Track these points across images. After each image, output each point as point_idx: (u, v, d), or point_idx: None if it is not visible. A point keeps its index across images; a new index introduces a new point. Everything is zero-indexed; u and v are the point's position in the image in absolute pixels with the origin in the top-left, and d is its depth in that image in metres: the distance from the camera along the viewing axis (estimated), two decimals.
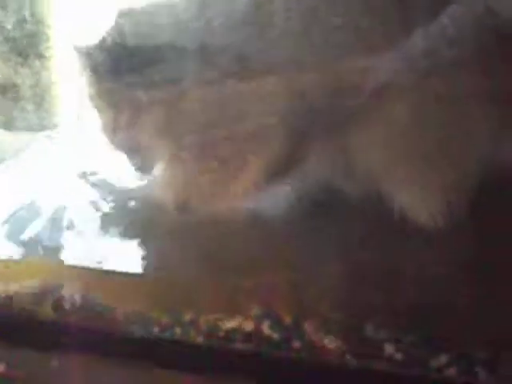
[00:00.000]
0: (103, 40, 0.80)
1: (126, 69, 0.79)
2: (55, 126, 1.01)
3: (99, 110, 0.85)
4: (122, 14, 0.81)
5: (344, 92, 0.74)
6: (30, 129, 0.98)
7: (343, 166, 0.80)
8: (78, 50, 0.82)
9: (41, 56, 0.94)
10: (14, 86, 0.94)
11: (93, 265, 0.75)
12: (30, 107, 0.96)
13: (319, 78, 0.74)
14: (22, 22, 0.91)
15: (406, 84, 0.74)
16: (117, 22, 0.81)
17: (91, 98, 0.85)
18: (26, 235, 0.81)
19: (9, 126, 0.97)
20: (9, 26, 0.91)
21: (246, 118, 0.77)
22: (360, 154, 0.77)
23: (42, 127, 0.99)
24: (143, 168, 0.89)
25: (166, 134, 0.81)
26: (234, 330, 0.68)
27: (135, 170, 0.89)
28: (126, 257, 0.77)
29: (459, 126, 0.75)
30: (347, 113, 0.75)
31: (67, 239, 0.81)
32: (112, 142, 0.87)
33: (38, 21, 0.92)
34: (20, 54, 0.93)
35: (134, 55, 0.78)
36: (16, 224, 0.84)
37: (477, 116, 0.75)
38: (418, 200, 0.76)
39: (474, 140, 0.76)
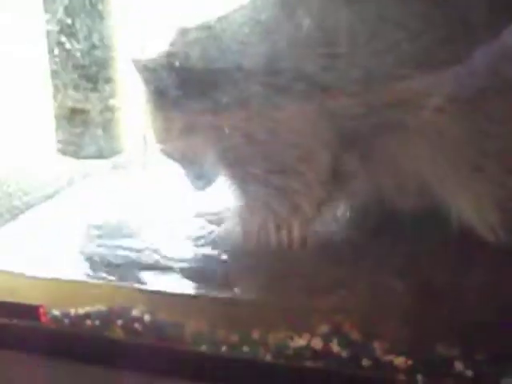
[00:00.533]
0: (165, 59, 0.81)
1: (186, 90, 0.80)
2: (124, 151, 1.02)
3: (152, 120, 0.86)
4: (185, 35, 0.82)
5: (405, 108, 0.75)
6: (99, 155, 0.99)
7: (400, 181, 0.80)
8: (136, 63, 0.84)
9: (110, 80, 0.96)
10: (83, 111, 0.96)
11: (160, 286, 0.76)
12: (99, 133, 0.97)
13: (380, 94, 0.75)
14: (90, 48, 0.93)
15: (465, 100, 0.74)
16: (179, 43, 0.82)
17: (145, 103, 0.85)
18: (96, 257, 0.82)
19: (77, 153, 0.99)
20: (78, 54, 0.93)
21: (304, 139, 0.78)
22: (415, 168, 0.78)
23: (110, 153, 1.00)
24: (198, 181, 0.88)
25: (223, 157, 0.82)
26: (302, 348, 0.68)
27: (191, 182, 0.88)
28: (193, 276, 0.78)
29: None
30: (404, 127, 0.75)
31: (137, 261, 0.81)
32: (163, 151, 0.87)
33: (106, 46, 0.94)
34: (90, 80, 0.95)
35: (197, 77, 0.79)
36: (86, 245, 0.86)
37: None
38: (475, 213, 0.76)
39: None
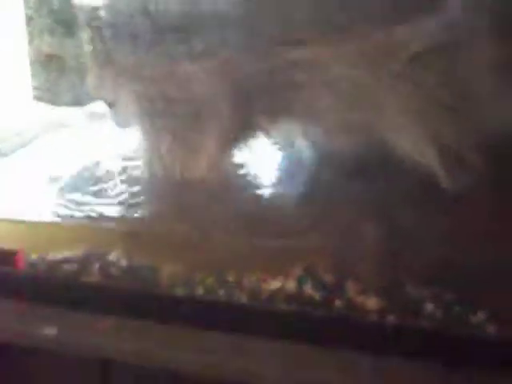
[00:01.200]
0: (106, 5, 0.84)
1: (120, 39, 0.83)
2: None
3: (90, 68, 0.88)
4: None
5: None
6: (76, 103, 0.98)
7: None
8: (80, 8, 0.86)
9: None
10: (59, 57, 0.95)
11: (137, 229, 0.77)
12: (75, 80, 0.97)
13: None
14: None
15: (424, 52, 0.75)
16: None
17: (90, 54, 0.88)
18: (72, 200, 0.83)
19: (53, 100, 0.98)
20: None
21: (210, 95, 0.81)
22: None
23: (87, 101, 0.99)
24: (121, 122, 0.92)
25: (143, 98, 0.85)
26: (276, 291, 0.69)
27: (114, 120, 0.93)
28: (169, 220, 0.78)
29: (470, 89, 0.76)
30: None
31: (111, 204, 0.82)
32: (96, 94, 0.90)
33: None
34: (65, 25, 0.94)
35: (130, 27, 0.82)
36: (64, 189, 0.86)
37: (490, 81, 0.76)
38: (417, 153, 0.78)
39: (481, 101, 0.77)
